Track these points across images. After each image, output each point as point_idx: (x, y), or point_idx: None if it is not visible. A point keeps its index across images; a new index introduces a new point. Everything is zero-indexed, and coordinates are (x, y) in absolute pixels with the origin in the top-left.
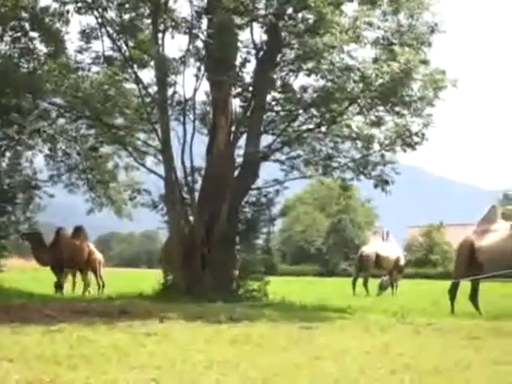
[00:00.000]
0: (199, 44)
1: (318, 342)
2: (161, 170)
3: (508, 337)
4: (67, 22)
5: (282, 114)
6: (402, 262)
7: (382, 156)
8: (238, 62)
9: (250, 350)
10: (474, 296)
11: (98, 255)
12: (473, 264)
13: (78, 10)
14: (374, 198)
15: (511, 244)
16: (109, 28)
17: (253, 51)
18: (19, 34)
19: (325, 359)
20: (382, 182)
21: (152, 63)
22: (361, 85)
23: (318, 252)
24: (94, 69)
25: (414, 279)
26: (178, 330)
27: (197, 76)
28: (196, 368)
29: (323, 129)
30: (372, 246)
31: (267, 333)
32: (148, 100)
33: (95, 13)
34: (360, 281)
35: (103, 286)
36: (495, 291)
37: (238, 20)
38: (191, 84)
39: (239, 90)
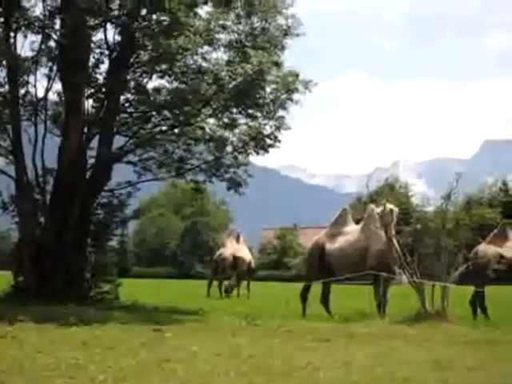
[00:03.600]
0: (52, 44)
1: (169, 345)
2: (12, 170)
3: (358, 339)
4: None
5: (135, 115)
6: (253, 264)
7: (235, 158)
8: (91, 62)
9: (101, 352)
10: (325, 298)
11: None
12: (324, 266)
13: None
14: (230, 201)
15: (360, 247)
16: None
17: (106, 52)
18: None
19: (175, 362)
20: (235, 184)
21: (4, 62)
22: (214, 87)
23: (173, 254)
24: None
25: (267, 281)
26: (28, 332)
27: (49, 76)
28: (44, 371)
29: (176, 131)
30: (229, 249)
31: (118, 335)
32: None
33: None
34: (215, 283)
35: None
36: (346, 293)
37: (91, 20)
38: (43, 84)
39: (92, 90)
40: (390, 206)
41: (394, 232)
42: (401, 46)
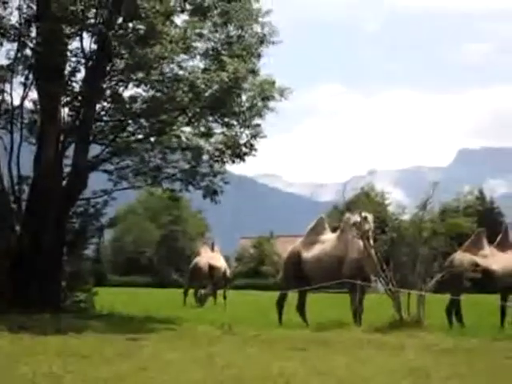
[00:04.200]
0: (28, 52)
1: (145, 354)
2: None
3: (334, 347)
4: None
5: (111, 123)
6: (228, 273)
7: (211, 167)
8: (67, 70)
9: (76, 361)
10: (301, 307)
11: None
12: (300, 275)
13: None
14: (207, 209)
15: (336, 255)
16: None
17: (82, 60)
18: None
19: (151, 370)
20: (211, 193)
21: None
22: (190, 95)
23: (150, 263)
24: None
25: (244, 290)
26: (3, 341)
27: (25, 84)
28: (19, 381)
29: (152, 139)
30: (204, 257)
31: (94, 344)
32: None
33: None
34: (192, 291)
35: None
36: (323, 302)
37: (67, 29)
38: (19, 92)
39: (68, 99)
40: (365, 213)
41: (371, 240)
42: (379, 56)
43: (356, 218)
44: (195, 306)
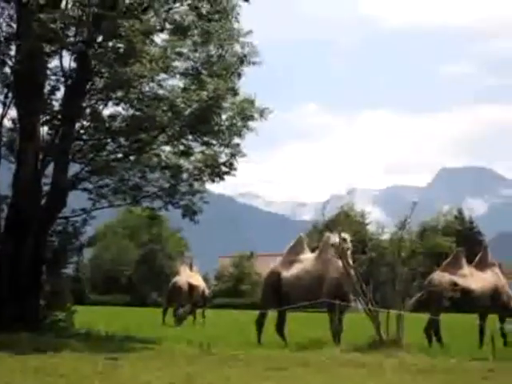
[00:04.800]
0: (7, 70)
1: (123, 373)
2: None
3: (312, 367)
4: None
5: (90, 142)
6: (207, 292)
7: (191, 185)
8: (46, 89)
9: (54, 381)
10: (280, 326)
11: None
12: (280, 294)
13: None
14: (186, 228)
15: (316, 275)
16: None
17: (62, 79)
18: None
19: None
20: (190, 212)
21: None
22: (170, 114)
23: (129, 282)
24: None
25: (223, 309)
26: None
27: (4, 103)
28: None
29: (132, 158)
30: (184, 276)
31: (72, 364)
32: None
33: None
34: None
35: None
36: (302, 321)
37: (47, 47)
38: None
39: (48, 117)
40: (343, 234)
41: (350, 260)
42: (359, 75)
43: (335, 238)
44: (174, 326)
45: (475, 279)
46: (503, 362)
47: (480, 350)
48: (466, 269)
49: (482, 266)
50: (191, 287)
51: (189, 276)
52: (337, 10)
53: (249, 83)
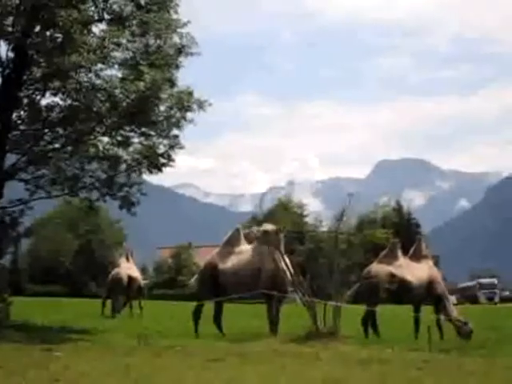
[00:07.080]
0: None
1: (59, 364)
2: None
3: (250, 358)
4: None
5: (27, 132)
6: (142, 283)
7: (129, 177)
8: None
9: None
10: (217, 317)
11: None
12: (217, 286)
13: None
14: (124, 219)
15: (252, 267)
16: None
17: None
18: None
19: (65, 381)
20: (128, 203)
21: None
22: (108, 104)
23: (67, 272)
24: None
25: (161, 300)
26: None
27: None
28: None
29: (69, 148)
30: (123, 268)
31: (8, 354)
32: None
33: None
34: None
35: None
36: (240, 313)
37: None
38: None
39: None
40: (267, 225)
41: (283, 251)
42: (298, 68)
43: (266, 229)
44: (112, 317)
45: (411, 270)
46: (438, 353)
47: (416, 341)
48: (402, 260)
49: (417, 257)
50: (130, 279)
51: (128, 267)
52: (281, 3)
53: (188, 74)
